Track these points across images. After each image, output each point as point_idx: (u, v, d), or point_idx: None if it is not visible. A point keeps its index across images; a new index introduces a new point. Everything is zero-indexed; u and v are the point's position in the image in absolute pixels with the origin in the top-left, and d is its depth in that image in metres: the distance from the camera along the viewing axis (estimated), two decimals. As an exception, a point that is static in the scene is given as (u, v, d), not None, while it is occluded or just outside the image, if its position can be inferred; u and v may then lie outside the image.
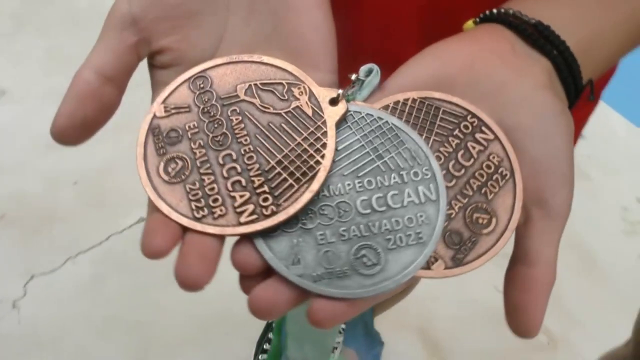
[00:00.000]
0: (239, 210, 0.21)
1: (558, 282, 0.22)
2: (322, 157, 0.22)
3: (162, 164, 0.22)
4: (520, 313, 0.21)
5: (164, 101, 0.23)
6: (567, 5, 0.25)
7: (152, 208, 0.22)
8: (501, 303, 0.21)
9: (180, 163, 0.22)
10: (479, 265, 0.21)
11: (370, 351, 0.54)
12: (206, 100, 0.23)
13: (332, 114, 0.22)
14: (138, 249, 0.20)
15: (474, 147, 0.23)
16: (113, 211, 1.24)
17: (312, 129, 0.22)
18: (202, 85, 0.23)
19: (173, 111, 0.23)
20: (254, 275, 0.21)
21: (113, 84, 0.22)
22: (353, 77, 0.23)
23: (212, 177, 0.22)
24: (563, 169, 0.22)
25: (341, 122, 0.23)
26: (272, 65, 0.23)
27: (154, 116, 0.23)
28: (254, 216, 0.21)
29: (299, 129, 0.22)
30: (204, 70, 0.23)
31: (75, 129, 0.21)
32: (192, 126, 0.23)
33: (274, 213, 0.21)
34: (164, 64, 0.24)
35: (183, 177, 0.22)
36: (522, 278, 0.21)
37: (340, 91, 0.23)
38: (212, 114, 0.23)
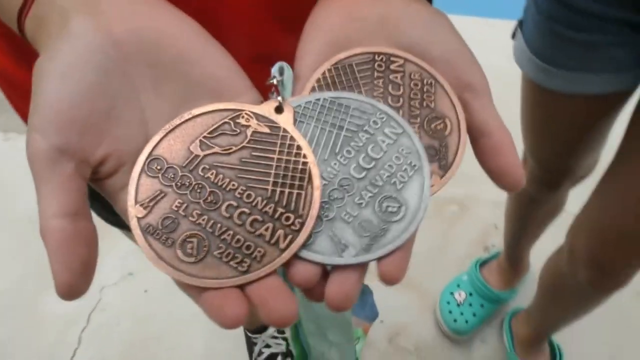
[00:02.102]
0: (273, 241, 0.22)
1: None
2: (304, 157, 0.23)
3: (178, 252, 0.22)
4: (504, 174, 0.25)
5: (136, 201, 0.23)
6: None
7: (197, 291, 0.22)
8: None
9: (194, 240, 0.22)
10: (460, 161, 0.25)
11: (364, 306, 0.58)
12: (172, 176, 0.23)
13: (285, 120, 0.24)
14: None
15: (395, 77, 0.26)
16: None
17: (279, 141, 0.24)
18: (159, 167, 0.23)
19: (151, 204, 0.23)
20: (316, 284, 0.23)
21: (81, 216, 0.21)
22: (274, 81, 0.25)
23: (230, 231, 0.22)
24: (465, 52, 0.26)
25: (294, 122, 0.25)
26: (204, 114, 0.24)
27: (138, 219, 0.23)
28: (290, 237, 0.22)
29: (270, 148, 0.24)
30: (150, 154, 0.23)
31: (78, 277, 0.21)
32: (178, 205, 0.23)
33: (302, 224, 0.22)
34: (109, 171, 0.23)
35: (205, 249, 0.22)
36: (490, 148, 0.25)
37: (279, 98, 0.24)
38: (187, 184, 0.23)
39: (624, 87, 0.60)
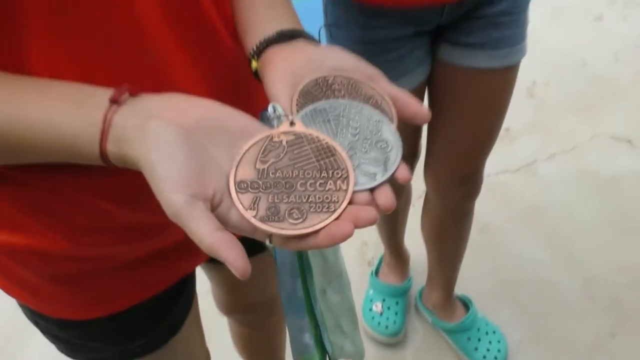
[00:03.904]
0: (338, 188, 0.35)
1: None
2: (324, 139, 0.37)
3: (290, 220, 0.33)
4: (416, 115, 0.41)
5: (245, 209, 0.33)
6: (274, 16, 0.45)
7: (314, 236, 0.33)
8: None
9: (294, 210, 0.34)
10: (396, 115, 0.41)
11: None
12: (257, 186, 0.34)
13: (299, 128, 0.37)
14: None
15: (334, 86, 0.41)
16: None
17: (304, 139, 0.37)
18: (245, 185, 0.34)
19: (255, 205, 0.34)
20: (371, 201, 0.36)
21: (225, 230, 0.32)
22: (277, 114, 0.38)
23: (311, 196, 0.34)
24: (362, 62, 0.43)
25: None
26: (252, 146, 0.36)
27: (254, 217, 0.33)
28: (345, 181, 0.35)
29: (302, 145, 0.37)
30: (235, 180, 0.34)
31: (246, 260, 0.31)
32: (271, 198, 0.34)
33: (347, 172, 0.36)
34: (218, 201, 0.33)
35: (304, 211, 0.34)
36: (402, 105, 0.41)
37: (290, 117, 0.38)
38: (269, 185, 0.35)
39: (426, 75, 0.86)
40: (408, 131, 0.95)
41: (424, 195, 1.11)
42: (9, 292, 0.51)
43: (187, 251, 0.55)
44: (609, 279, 1.34)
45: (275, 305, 0.84)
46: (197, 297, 0.66)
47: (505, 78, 0.85)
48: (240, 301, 0.83)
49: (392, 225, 1.22)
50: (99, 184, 0.43)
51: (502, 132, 1.65)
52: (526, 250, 1.42)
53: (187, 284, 0.62)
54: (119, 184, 0.43)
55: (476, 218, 1.19)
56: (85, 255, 0.48)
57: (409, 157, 1.03)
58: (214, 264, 0.71)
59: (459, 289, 1.27)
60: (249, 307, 0.85)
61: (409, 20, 0.78)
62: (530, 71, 1.81)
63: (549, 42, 1.90)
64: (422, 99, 0.92)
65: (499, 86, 0.86)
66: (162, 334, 0.58)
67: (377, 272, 1.36)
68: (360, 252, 1.49)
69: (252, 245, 0.61)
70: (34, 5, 0.35)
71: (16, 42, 0.36)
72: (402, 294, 1.31)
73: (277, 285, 0.58)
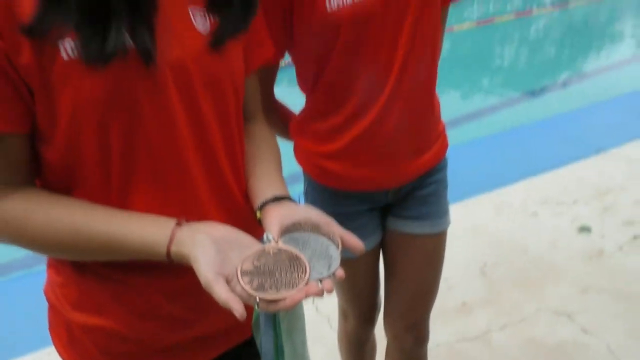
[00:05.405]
0: (300, 276, 0.61)
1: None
2: (294, 252, 0.64)
3: (270, 290, 0.58)
4: (355, 248, 0.68)
5: (245, 284, 0.59)
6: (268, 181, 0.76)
7: (282, 301, 0.58)
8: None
9: (272, 286, 0.59)
10: (340, 243, 0.69)
11: None
12: (254, 272, 0.60)
13: (281, 245, 0.65)
14: None
15: (306, 226, 0.70)
16: None
17: (282, 252, 0.64)
18: (246, 271, 0.60)
19: (251, 282, 0.59)
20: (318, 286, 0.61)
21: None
22: (266, 239, 0.66)
23: (284, 279, 0.60)
24: (323, 214, 0.72)
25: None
26: (252, 254, 0.63)
27: (250, 287, 0.59)
28: (306, 274, 0.61)
29: (281, 254, 0.64)
30: (241, 270, 0.60)
31: (242, 307, 0.55)
32: (260, 279, 0.60)
33: (306, 268, 0.62)
34: (230, 279, 0.59)
35: (278, 286, 0.59)
36: (346, 240, 0.69)
37: (275, 239, 0.66)
38: (261, 272, 0.60)
39: (379, 240, 1.16)
40: (370, 287, 1.22)
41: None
42: None
43: (208, 344, 0.76)
44: None
45: None
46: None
47: (435, 241, 1.15)
48: None
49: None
50: (157, 281, 0.68)
51: (459, 305, 1.92)
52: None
53: None
54: (170, 283, 0.68)
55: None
56: (137, 337, 0.70)
57: (371, 310, 1.27)
58: None
59: None
60: None
61: (365, 200, 1.11)
62: (482, 255, 2.13)
63: (496, 232, 2.26)
64: (378, 258, 1.20)
65: (431, 248, 1.15)
66: None
67: None
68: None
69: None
70: (145, 181, 0.65)
71: (127, 194, 0.65)
72: None
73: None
